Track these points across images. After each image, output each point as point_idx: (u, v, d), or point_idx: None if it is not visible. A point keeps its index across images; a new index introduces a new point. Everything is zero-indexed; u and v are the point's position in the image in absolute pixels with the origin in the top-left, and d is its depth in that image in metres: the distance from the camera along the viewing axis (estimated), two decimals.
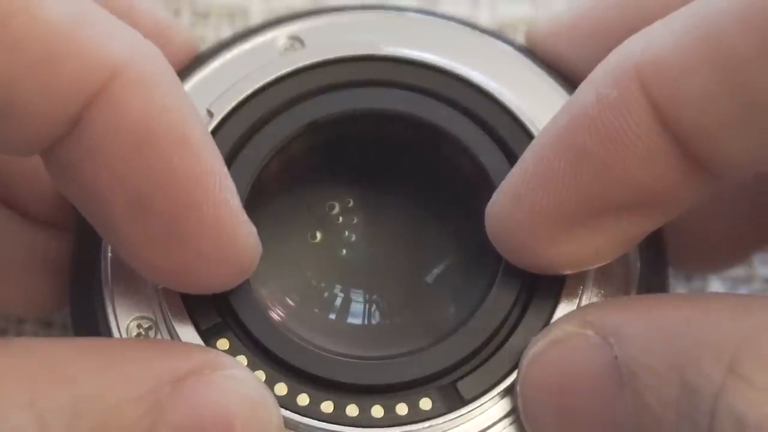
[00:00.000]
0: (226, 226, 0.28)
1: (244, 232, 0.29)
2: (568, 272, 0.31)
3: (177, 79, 0.29)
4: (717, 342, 0.27)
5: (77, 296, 0.33)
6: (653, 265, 0.33)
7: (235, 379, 0.28)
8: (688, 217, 0.31)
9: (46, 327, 0.38)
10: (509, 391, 0.31)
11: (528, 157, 0.30)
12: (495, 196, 0.31)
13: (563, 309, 0.31)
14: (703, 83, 0.27)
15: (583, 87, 0.29)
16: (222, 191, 0.28)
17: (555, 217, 0.29)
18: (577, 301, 0.31)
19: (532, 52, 0.35)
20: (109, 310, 0.32)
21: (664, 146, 0.28)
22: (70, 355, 0.27)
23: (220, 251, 0.29)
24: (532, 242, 0.30)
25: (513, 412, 0.31)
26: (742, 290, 0.39)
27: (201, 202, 0.28)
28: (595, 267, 0.31)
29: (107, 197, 0.28)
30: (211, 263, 0.29)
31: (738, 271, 0.39)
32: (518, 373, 0.30)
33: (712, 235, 0.36)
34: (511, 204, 0.30)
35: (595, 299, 0.32)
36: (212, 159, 0.28)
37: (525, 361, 0.30)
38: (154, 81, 0.28)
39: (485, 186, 0.32)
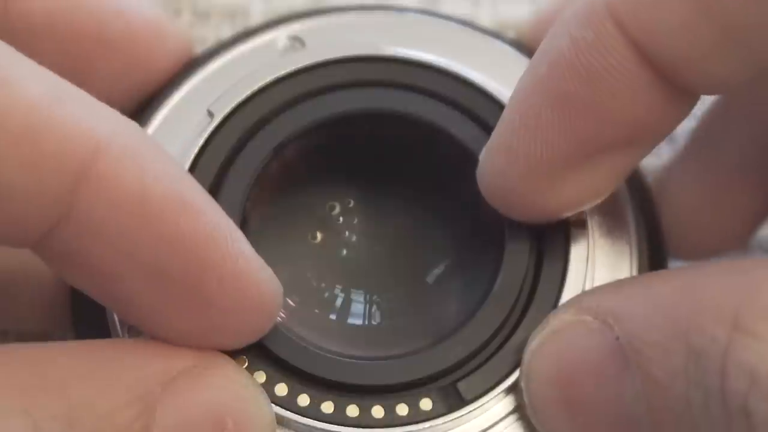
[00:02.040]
0: (247, 278, 0.28)
1: (265, 278, 0.29)
2: (569, 215, 0.31)
3: (160, 146, 0.28)
4: (717, 303, 0.27)
5: (77, 296, 0.33)
6: (653, 266, 0.33)
7: (226, 377, 0.28)
8: (686, 200, 0.31)
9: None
10: (510, 392, 0.31)
11: (513, 110, 0.30)
12: (485, 155, 0.31)
13: None
14: (677, 12, 0.27)
15: (556, 32, 0.29)
16: (235, 244, 0.28)
17: (551, 165, 0.29)
18: None
19: (524, 47, 0.35)
20: (109, 311, 0.32)
21: (646, 78, 0.28)
22: (60, 359, 0.27)
23: (246, 304, 0.28)
24: (532, 193, 0.30)
25: (514, 412, 0.31)
26: None
27: (218, 260, 0.28)
28: (594, 204, 0.31)
29: (117, 276, 0.27)
30: (239, 317, 0.29)
31: None
32: (521, 370, 0.30)
33: (712, 216, 0.36)
34: (504, 159, 0.30)
35: None
36: (217, 215, 0.28)
37: (527, 357, 0.30)
38: (140, 151, 0.27)
39: None
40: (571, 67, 0.28)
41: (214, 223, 0.28)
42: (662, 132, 0.30)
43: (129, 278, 0.27)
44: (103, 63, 0.34)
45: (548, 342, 0.30)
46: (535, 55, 0.30)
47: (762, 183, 0.36)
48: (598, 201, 0.31)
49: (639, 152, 0.30)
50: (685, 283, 0.28)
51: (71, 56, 0.33)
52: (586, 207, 0.32)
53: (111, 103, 0.32)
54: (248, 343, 0.30)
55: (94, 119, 0.27)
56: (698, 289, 0.27)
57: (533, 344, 0.30)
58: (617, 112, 0.29)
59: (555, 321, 0.30)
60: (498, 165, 0.30)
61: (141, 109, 0.35)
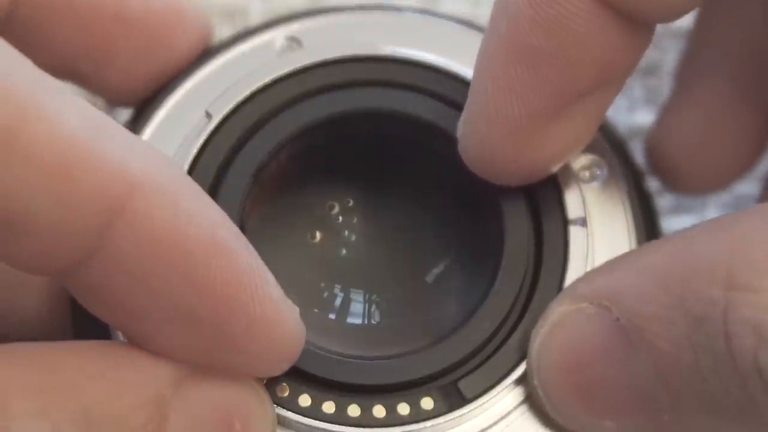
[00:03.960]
0: (274, 321, 0.28)
1: (291, 319, 0.29)
2: (556, 168, 0.32)
3: (197, 185, 0.28)
4: (707, 264, 0.26)
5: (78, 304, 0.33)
6: None
7: (233, 378, 0.28)
8: (688, 136, 0.32)
9: None
10: (510, 390, 0.31)
11: (482, 73, 0.30)
12: (462, 126, 0.31)
13: None
14: None
15: None
16: (265, 287, 0.28)
17: (529, 121, 0.29)
18: None
19: None
20: None
21: (604, 19, 0.28)
22: (72, 360, 0.27)
23: (272, 346, 0.28)
24: (516, 153, 0.30)
25: (515, 411, 0.31)
26: None
27: (247, 304, 0.27)
28: (577, 151, 0.32)
29: (144, 313, 0.27)
30: (263, 358, 0.29)
31: None
32: (528, 366, 0.30)
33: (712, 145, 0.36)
34: (483, 125, 0.30)
35: None
36: (249, 256, 0.28)
37: (533, 353, 0.30)
38: (176, 191, 0.27)
39: (484, 185, 0.32)
40: (531, 20, 0.29)
41: (246, 265, 0.27)
42: (628, 68, 0.30)
43: (155, 315, 0.27)
44: (123, 42, 0.33)
45: (551, 335, 0.30)
46: (493, 15, 0.30)
47: (759, 102, 0.36)
48: (581, 148, 0.31)
49: (611, 92, 0.30)
50: (673, 249, 0.28)
51: (91, 34, 0.33)
52: (571, 157, 0.32)
53: (131, 82, 0.32)
54: (267, 376, 0.30)
55: (130, 155, 0.26)
56: (687, 252, 0.27)
57: (536, 341, 0.30)
58: (583, 57, 0.29)
59: (554, 315, 0.30)
60: (477, 132, 0.30)
61: (141, 108, 0.35)
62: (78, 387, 0.26)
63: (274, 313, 0.28)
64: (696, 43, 0.37)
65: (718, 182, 0.38)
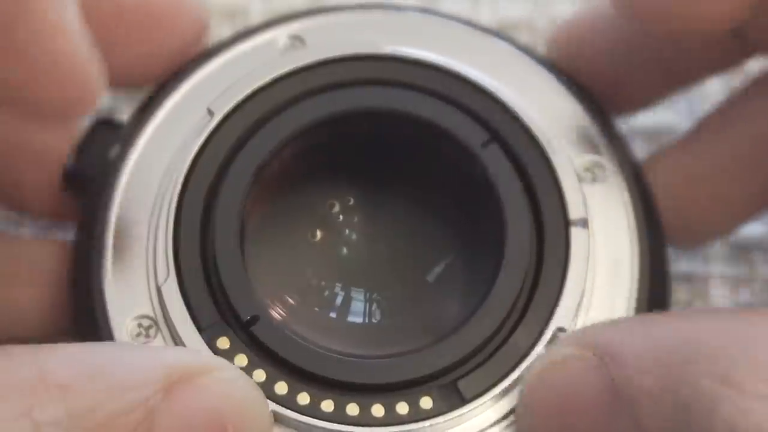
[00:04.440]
0: (61, 35, 0.27)
1: (82, 48, 0.28)
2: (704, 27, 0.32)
3: None
4: (710, 354, 0.26)
5: (76, 296, 0.33)
6: (653, 262, 0.33)
7: (226, 382, 0.28)
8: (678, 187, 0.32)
9: None
10: (510, 391, 0.31)
11: None
12: None
13: (564, 308, 0.31)
14: None
15: None
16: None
17: None
18: (578, 300, 0.31)
19: (524, 46, 0.35)
20: (109, 310, 0.32)
21: None
22: (59, 362, 0.27)
23: (56, 60, 0.27)
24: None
25: (513, 412, 0.31)
26: (743, 291, 0.39)
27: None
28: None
29: None
30: (48, 75, 0.28)
31: (738, 271, 0.39)
32: (519, 397, 0.30)
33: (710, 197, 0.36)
34: None
35: (596, 300, 0.32)
36: None
37: (527, 385, 0.30)
38: None
39: (485, 185, 0.33)
40: None
41: None
42: None
43: None
44: (121, 31, 0.33)
45: (548, 373, 0.30)
46: None
47: (753, 177, 0.36)
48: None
49: None
50: (682, 329, 0.28)
51: (89, 23, 0.33)
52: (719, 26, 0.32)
53: (131, 69, 0.31)
54: (57, 115, 0.29)
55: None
56: (695, 336, 0.27)
57: (534, 372, 0.30)
58: None
59: (557, 354, 0.30)
60: None
61: (142, 107, 0.35)
62: (65, 389, 0.26)
63: (60, 26, 0.28)
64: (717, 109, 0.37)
65: (695, 239, 0.37)
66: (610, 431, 0.28)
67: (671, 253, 0.37)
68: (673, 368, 0.27)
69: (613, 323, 0.30)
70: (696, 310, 0.29)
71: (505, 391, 0.30)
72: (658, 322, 0.29)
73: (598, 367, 0.28)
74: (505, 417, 0.31)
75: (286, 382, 0.30)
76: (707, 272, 0.39)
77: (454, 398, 0.30)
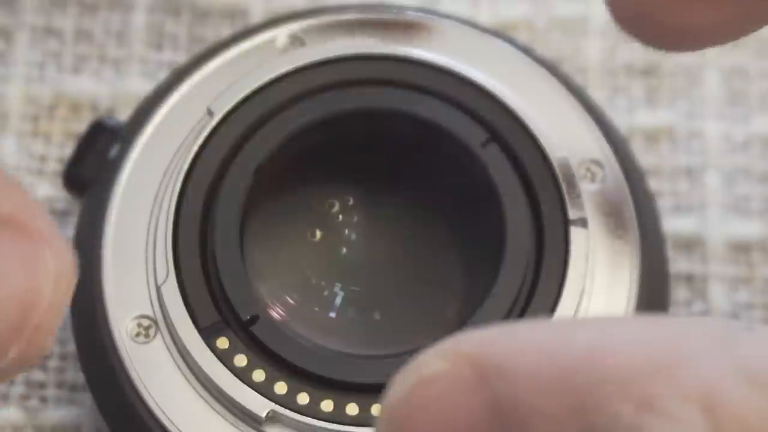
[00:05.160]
0: None
1: None
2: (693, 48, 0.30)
3: None
4: (624, 373, 0.22)
5: (76, 296, 0.33)
6: (653, 262, 0.33)
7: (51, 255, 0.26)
8: None
9: None
10: None
11: None
12: None
13: (563, 308, 0.31)
14: None
15: None
16: None
17: None
18: (578, 300, 0.31)
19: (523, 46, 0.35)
20: (108, 310, 0.32)
21: None
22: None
23: None
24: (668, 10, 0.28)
25: None
26: (742, 291, 0.39)
27: None
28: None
29: None
30: None
31: (738, 271, 0.39)
32: (378, 423, 0.24)
33: None
34: None
35: (595, 300, 0.32)
36: None
37: (386, 408, 0.24)
38: None
39: (485, 184, 0.32)
40: None
41: None
42: None
43: None
44: None
45: (415, 390, 0.24)
46: None
47: None
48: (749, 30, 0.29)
49: None
50: (592, 342, 0.23)
51: None
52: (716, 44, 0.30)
53: None
54: None
55: None
56: (607, 351, 0.22)
57: (396, 389, 0.24)
58: None
59: (424, 366, 0.24)
60: None
61: (141, 107, 0.35)
62: None
63: None
64: None
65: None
66: None
67: (671, 252, 0.37)
68: (579, 389, 0.22)
69: (495, 329, 0.24)
70: (603, 320, 0.25)
71: None
72: (555, 330, 0.24)
73: (477, 385, 0.23)
74: None
75: (286, 381, 0.30)
76: (707, 272, 0.39)
77: None
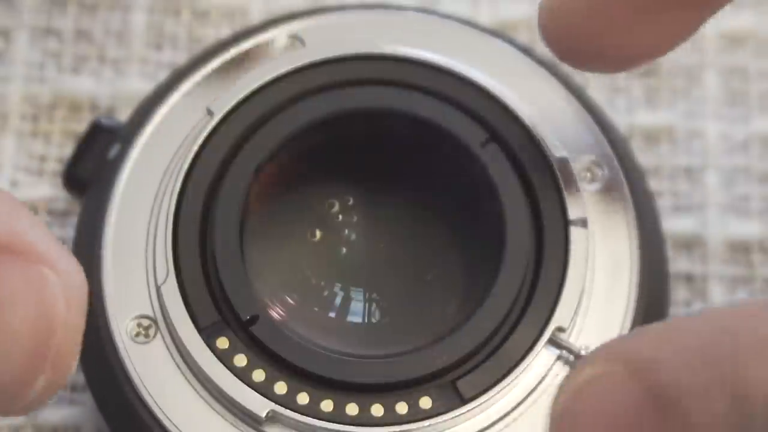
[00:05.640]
0: None
1: None
2: (631, 67, 0.30)
3: None
4: (760, 341, 0.24)
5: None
6: (653, 262, 0.33)
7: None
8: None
9: None
10: (509, 391, 0.31)
11: None
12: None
13: (563, 308, 0.31)
14: None
15: None
16: None
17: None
18: (578, 300, 0.31)
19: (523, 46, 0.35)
20: (108, 310, 0.32)
21: None
22: None
23: None
24: (600, 35, 0.29)
25: (513, 411, 0.31)
26: (742, 291, 0.39)
27: None
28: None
29: None
30: None
31: (738, 271, 0.39)
32: (551, 425, 0.27)
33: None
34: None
35: (595, 300, 0.32)
36: None
37: (555, 418, 0.27)
38: None
39: (485, 184, 0.33)
40: None
41: None
42: None
43: None
44: None
45: (577, 398, 0.27)
46: None
47: None
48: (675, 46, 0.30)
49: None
50: (722, 323, 0.25)
51: None
52: (652, 59, 0.30)
53: None
54: None
55: None
56: (738, 326, 0.25)
57: (560, 401, 0.27)
58: None
59: (581, 376, 0.27)
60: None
61: (141, 107, 0.35)
62: None
63: None
64: None
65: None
66: None
67: (671, 252, 0.37)
68: (720, 362, 0.25)
69: (636, 333, 0.28)
70: (725, 305, 0.27)
71: (505, 391, 0.30)
72: (689, 322, 0.27)
73: (631, 381, 0.26)
74: (503, 417, 0.31)
75: (286, 381, 0.30)
76: (706, 272, 0.39)
77: (453, 398, 0.30)
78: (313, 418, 0.30)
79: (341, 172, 0.35)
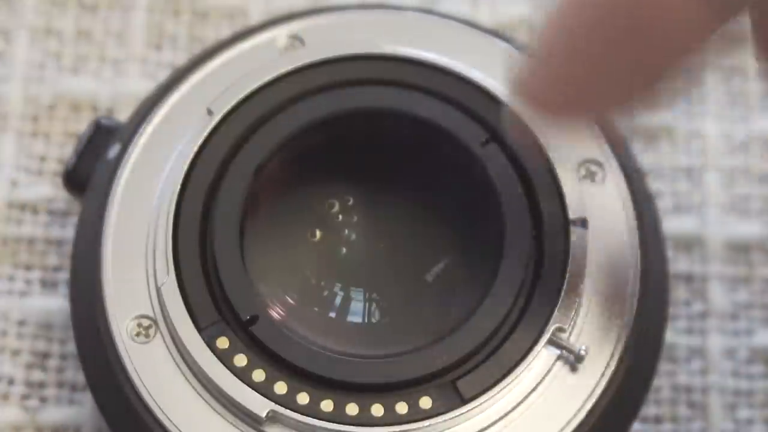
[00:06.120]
0: None
1: None
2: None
3: None
4: None
5: (76, 296, 0.33)
6: (653, 262, 0.33)
7: None
8: None
9: (47, 329, 0.38)
10: (509, 390, 0.31)
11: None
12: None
13: (563, 308, 0.31)
14: None
15: None
16: None
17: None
18: (578, 300, 0.31)
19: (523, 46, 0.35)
20: (108, 310, 0.32)
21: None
22: None
23: None
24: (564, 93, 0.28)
25: (513, 411, 0.31)
26: (741, 291, 0.39)
27: None
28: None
29: None
30: None
31: (737, 271, 0.39)
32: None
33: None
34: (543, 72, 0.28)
35: (595, 300, 0.32)
36: None
37: None
38: None
39: (485, 184, 0.33)
40: None
41: None
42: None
43: None
44: None
45: None
46: None
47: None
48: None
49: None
50: None
51: None
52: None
53: None
54: None
55: None
56: None
57: None
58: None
59: None
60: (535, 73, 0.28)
61: (141, 107, 0.35)
62: None
63: None
64: None
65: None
66: None
67: (671, 252, 0.37)
68: None
69: None
70: None
71: (504, 391, 0.30)
72: None
73: None
74: (503, 417, 0.31)
75: (286, 381, 0.30)
76: (706, 272, 0.39)
77: (453, 398, 0.30)
78: (313, 418, 0.30)
79: (341, 172, 0.35)
